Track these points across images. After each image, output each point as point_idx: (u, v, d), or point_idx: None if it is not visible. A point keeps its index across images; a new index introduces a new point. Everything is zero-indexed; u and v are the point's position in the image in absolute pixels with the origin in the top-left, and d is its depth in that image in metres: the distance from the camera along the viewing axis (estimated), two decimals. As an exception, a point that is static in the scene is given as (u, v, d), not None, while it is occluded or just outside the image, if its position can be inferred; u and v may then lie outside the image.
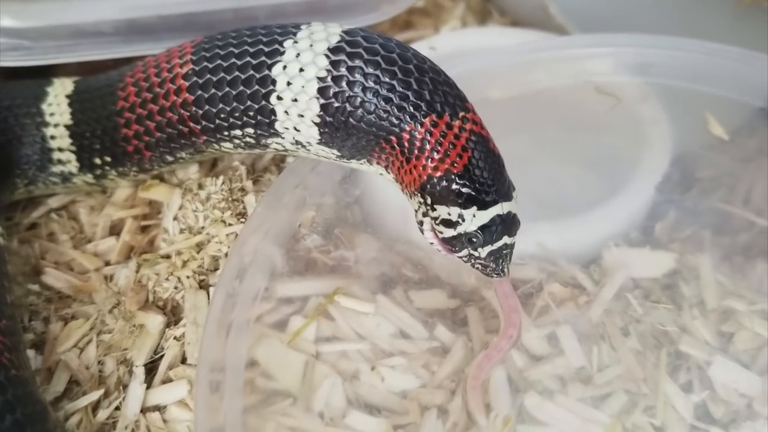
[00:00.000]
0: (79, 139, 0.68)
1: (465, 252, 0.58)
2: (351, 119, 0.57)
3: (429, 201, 0.57)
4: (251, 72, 0.59)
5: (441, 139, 0.56)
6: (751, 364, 0.66)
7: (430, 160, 0.56)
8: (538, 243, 0.70)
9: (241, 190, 0.72)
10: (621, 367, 0.65)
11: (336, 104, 0.57)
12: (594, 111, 0.79)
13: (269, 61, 0.58)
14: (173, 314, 0.68)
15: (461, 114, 0.57)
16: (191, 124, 0.62)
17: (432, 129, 0.56)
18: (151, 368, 0.65)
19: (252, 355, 0.62)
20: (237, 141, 0.63)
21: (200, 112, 0.61)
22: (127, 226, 0.73)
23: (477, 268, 0.59)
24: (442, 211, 0.57)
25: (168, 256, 0.70)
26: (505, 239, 0.57)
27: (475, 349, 0.66)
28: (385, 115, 0.57)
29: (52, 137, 0.68)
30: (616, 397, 0.64)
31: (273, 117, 0.59)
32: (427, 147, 0.56)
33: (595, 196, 0.74)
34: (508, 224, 0.57)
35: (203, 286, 0.69)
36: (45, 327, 0.67)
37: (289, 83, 0.58)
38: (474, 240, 0.57)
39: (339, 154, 0.60)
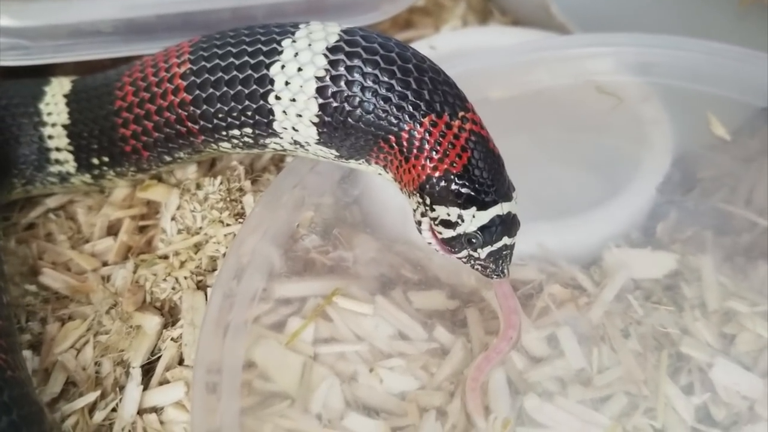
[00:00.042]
0: (77, 139, 0.67)
1: (464, 253, 0.58)
2: (349, 119, 0.57)
3: (428, 201, 0.56)
4: (249, 71, 0.58)
5: (440, 138, 0.55)
6: (752, 366, 0.66)
7: (429, 159, 0.56)
8: (538, 244, 0.70)
9: (240, 190, 0.72)
10: (621, 369, 0.65)
11: (334, 104, 0.57)
12: (595, 111, 0.78)
13: (267, 61, 0.58)
14: (170, 315, 0.68)
15: (461, 114, 0.56)
16: (189, 124, 0.62)
17: (431, 129, 0.56)
18: (148, 369, 0.65)
19: (249, 356, 0.62)
20: (235, 141, 0.62)
21: (198, 111, 0.61)
22: (125, 227, 0.72)
23: (477, 269, 0.59)
24: (441, 211, 0.56)
25: (166, 257, 0.70)
26: (505, 240, 0.57)
27: (474, 351, 0.65)
28: (383, 115, 0.56)
29: (50, 137, 0.68)
30: (616, 399, 0.64)
31: (271, 117, 0.59)
32: (426, 147, 0.56)
33: (595, 196, 0.73)
34: (507, 225, 0.57)
35: (201, 286, 0.68)
36: (42, 328, 0.67)
37: (287, 83, 0.57)
38: (473, 241, 0.56)
39: (338, 154, 0.60)
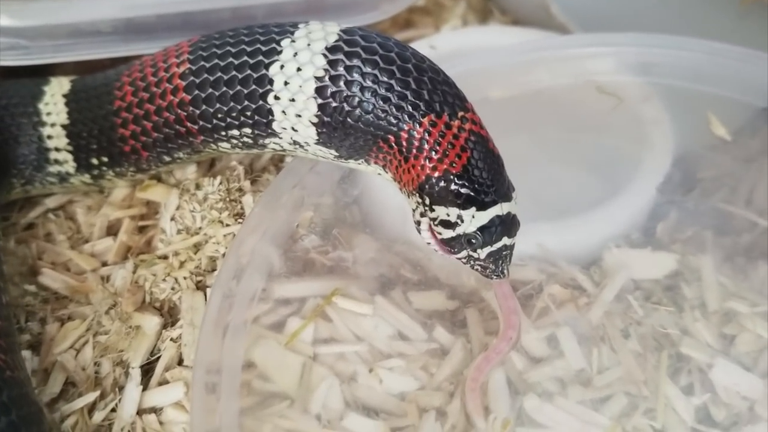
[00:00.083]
0: (76, 138, 0.67)
1: (464, 253, 0.58)
2: (349, 119, 0.57)
3: (427, 201, 0.56)
4: (248, 71, 0.58)
5: (440, 138, 0.55)
6: (753, 367, 0.66)
7: (428, 160, 0.55)
8: (538, 244, 0.70)
9: (239, 190, 0.72)
10: (621, 370, 0.65)
11: (334, 104, 0.57)
12: (595, 111, 0.78)
13: (266, 61, 0.58)
14: (170, 315, 0.68)
15: (460, 114, 0.56)
16: (188, 124, 0.62)
17: (430, 129, 0.56)
18: (147, 370, 0.65)
19: (249, 356, 0.62)
20: (234, 141, 0.62)
21: (197, 111, 0.61)
22: (125, 227, 0.72)
23: (476, 270, 0.59)
24: (441, 211, 0.56)
25: (165, 257, 0.70)
26: (505, 240, 0.57)
27: (474, 351, 0.65)
28: (383, 115, 0.56)
29: (49, 137, 0.68)
30: (616, 399, 0.64)
31: (270, 117, 0.59)
32: (426, 147, 0.55)
33: (595, 196, 0.73)
34: (507, 225, 0.57)
35: (200, 287, 0.68)
36: (41, 328, 0.67)
37: (286, 83, 0.57)
38: (473, 241, 0.56)
39: (337, 154, 0.60)
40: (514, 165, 0.59)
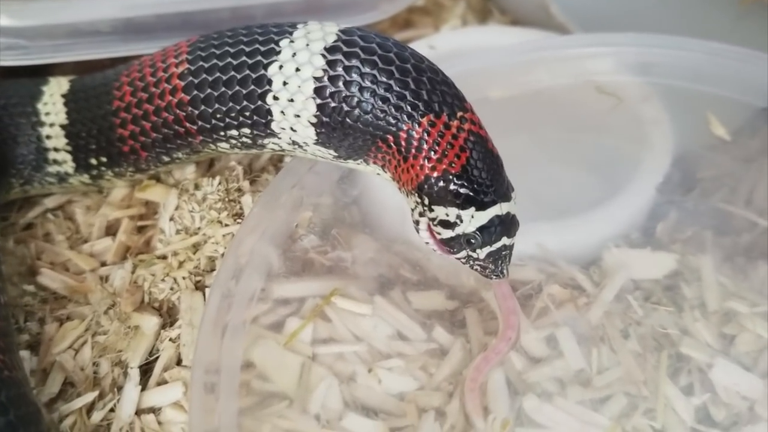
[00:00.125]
0: (75, 139, 0.67)
1: (463, 253, 0.58)
2: (348, 119, 0.57)
3: (426, 201, 0.56)
4: (247, 72, 0.58)
5: (439, 139, 0.55)
6: (752, 367, 0.66)
7: (427, 160, 0.55)
8: (537, 244, 0.70)
9: (238, 190, 0.72)
10: (621, 370, 0.65)
11: (333, 104, 0.57)
12: (595, 111, 0.78)
13: (265, 61, 0.58)
14: (169, 315, 0.67)
15: (459, 114, 0.56)
16: (187, 124, 0.62)
17: (429, 129, 0.55)
18: (146, 370, 0.65)
19: (248, 356, 0.62)
20: (233, 141, 0.62)
21: (196, 112, 0.61)
22: (123, 227, 0.72)
23: (476, 270, 0.59)
24: (440, 211, 0.56)
25: (164, 257, 0.70)
26: (504, 240, 0.57)
27: (473, 351, 0.65)
28: (382, 115, 0.56)
29: (48, 137, 0.68)
30: (615, 399, 0.64)
31: (269, 117, 0.59)
32: (425, 147, 0.55)
33: (595, 196, 0.73)
34: (506, 225, 0.57)
35: (199, 287, 0.68)
36: (40, 328, 0.67)
37: (285, 83, 0.57)
38: (472, 241, 0.56)
39: (336, 154, 0.60)
40: (514, 165, 0.58)
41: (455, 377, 0.64)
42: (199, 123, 0.61)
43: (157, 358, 0.65)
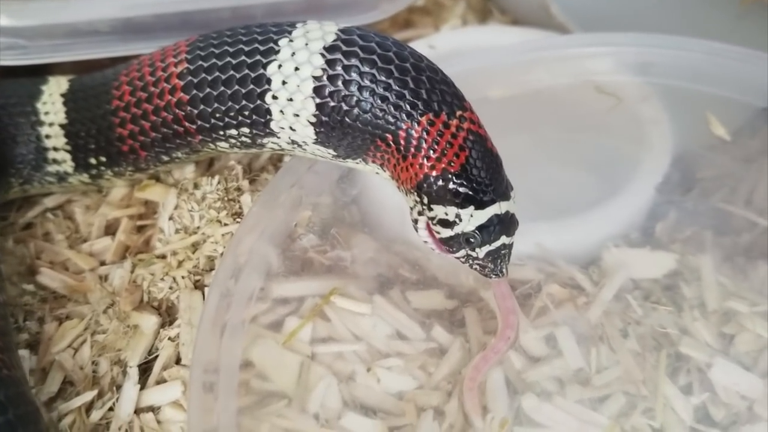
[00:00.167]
0: (74, 138, 0.67)
1: (463, 252, 0.58)
2: (347, 118, 0.57)
3: (425, 200, 0.56)
4: (246, 71, 0.58)
5: (438, 138, 0.55)
6: (752, 366, 0.66)
7: (426, 159, 0.55)
8: (536, 243, 0.70)
9: (237, 189, 0.72)
10: (620, 369, 0.65)
11: (332, 103, 0.57)
12: (594, 110, 0.78)
13: (264, 60, 0.58)
14: (168, 315, 0.68)
15: (458, 113, 0.56)
16: (186, 124, 0.62)
17: (429, 128, 0.55)
18: (145, 369, 0.65)
19: (247, 355, 0.62)
20: (233, 140, 0.62)
21: (195, 111, 0.61)
22: (123, 226, 0.72)
23: (475, 269, 0.59)
24: (439, 210, 0.56)
25: (163, 256, 0.70)
26: (503, 239, 0.57)
27: (472, 351, 0.65)
28: (381, 114, 0.56)
29: (47, 136, 0.68)
30: (614, 399, 0.64)
31: (268, 116, 0.59)
32: (424, 145, 0.55)
33: (594, 196, 0.73)
34: (506, 224, 0.57)
35: (198, 286, 0.68)
36: (39, 327, 0.67)
37: (284, 82, 0.57)
38: (472, 240, 0.56)
39: (335, 153, 0.60)
40: (513, 165, 0.58)
41: (454, 376, 0.64)
42: (198, 122, 0.61)
43: (156, 357, 0.65)
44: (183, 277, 0.68)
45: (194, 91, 0.60)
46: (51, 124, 0.68)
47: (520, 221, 0.58)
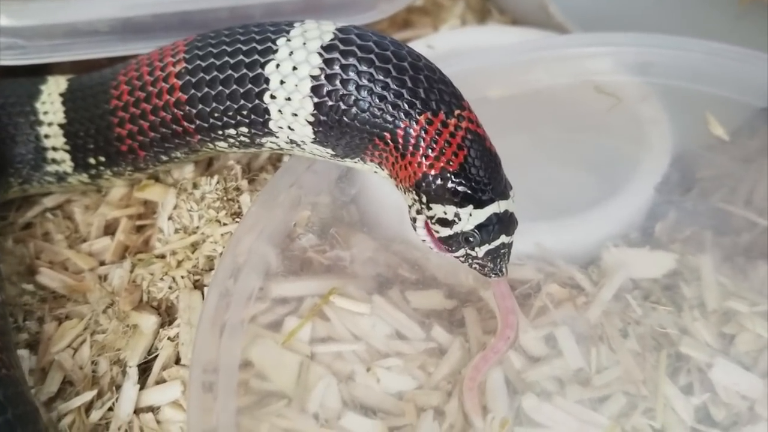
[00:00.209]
0: (73, 138, 0.67)
1: (462, 252, 0.58)
2: (345, 117, 0.57)
3: (424, 200, 0.56)
4: (244, 70, 0.58)
5: (436, 137, 0.55)
6: (752, 366, 0.65)
7: (425, 158, 0.55)
8: (536, 243, 0.70)
9: (237, 189, 0.72)
10: (620, 369, 0.65)
11: (330, 103, 0.57)
12: (594, 110, 0.78)
13: (262, 60, 0.58)
14: (167, 314, 0.67)
15: (457, 112, 0.56)
16: (185, 124, 0.62)
17: (427, 127, 0.55)
18: (144, 369, 0.65)
19: (246, 355, 0.62)
20: (231, 140, 0.62)
21: (194, 111, 0.61)
22: (122, 226, 0.72)
23: (475, 268, 0.59)
24: (438, 209, 0.56)
25: (163, 256, 0.70)
26: (503, 238, 0.57)
27: (472, 351, 0.65)
28: (379, 113, 0.56)
29: (46, 136, 0.68)
30: (615, 399, 0.64)
31: (267, 116, 0.59)
32: (422, 144, 0.55)
33: (594, 196, 0.73)
34: (505, 223, 0.56)
35: (198, 286, 0.68)
36: (39, 327, 0.67)
37: (282, 82, 0.57)
38: (471, 239, 0.56)
39: (333, 153, 0.60)
40: (513, 164, 0.58)
41: (454, 376, 0.64)
42: (197, 122, 0.61)
43: (156, 357, 0.65)
44: (182, 277, 0.68)
45: (192, 91, 0.60)
46: (50, 124, 0.68)
47: (519, 221, 0.58)
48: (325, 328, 0.65)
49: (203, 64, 0.59)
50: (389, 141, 0.56)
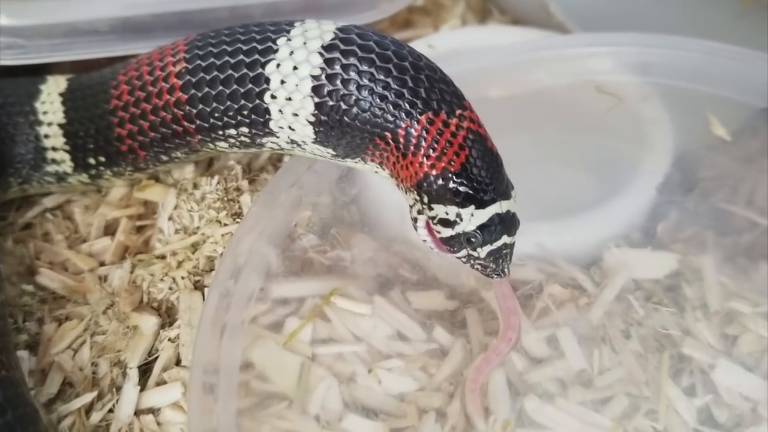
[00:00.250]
0: (73, 138, 0.67)
1: (464, 252, 0.57)
2: (346, 117, 0.57)
3: (426, 200, 0.56)
4: (244, 70, 0.58)
5: (437, 136, 0.55)
6: (755, 368, 0.65)
7: (426, 157, 0.55)
8: (537, 244, 0.69)
9: (237, 189, 0.72)
10: (622, 370, 0.65)
11: (330, 102, 0.57)
12: (594, 110, 0.78)
13: (262, 60, 0.58)
14: (168, 315, 0.67)
15: (458, 112, 0.56)
16: (185, 124, 0.62)
17: (428, 127, 0.55)
18: (145, 370, 0.64)
19: (247, 356, 0.61)
20: (232, 140, 0.62)
21: (194, 111, 0.60)
22: (122, 226, 0.72)
23: (476, 269, 0.58)
24: (440, 210, 0.56)
25: (163, 257, 0.70)
26: (505, 239, 0.56)
27: (473, 352, 0.65)
28: (380, 113, 0.56)
29: (46, 136, 0.68)
30: (617, 400, 0.63)
31: (267, 116, 0.59)
32: (423, 144, 0.55)
33: (595, 196, 0.73)
34: (507, 223, 0.56)
35: (198, 286, 0.68)
36: (39, 328, 0.67)
37: (282, 81, 0.57)
38: (473, 240, 0.56)
39: (334, 152, 0.60)
40: (514, 165, 0.58)
41: (456, 378, 0.63)
42: (197, 122, 0.61)
43: (156, 358, 0.64)
44: (183, 278, 0.68)
45: (192, 91, 0.60)
46: (50, 124, 0.67)
47: (520, 221, 0.58)
48: (326, 329, 0.65)
49: (203, 64, 0.59)
50: (390, 141, 0.56)
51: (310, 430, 0.61)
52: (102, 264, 0.71)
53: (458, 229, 0.56)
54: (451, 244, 0.57)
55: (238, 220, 0.70)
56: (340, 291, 0.66)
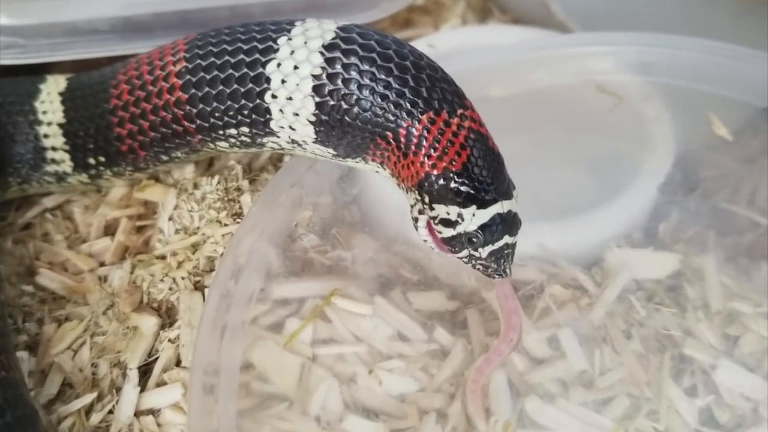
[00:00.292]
0: (73, 138, 0.67)
1: (465, 252, 0.57)
2: (347, 117, 0.56)
3: (427, 200, 0.56)
4: (245, 70, 0.58)
5: (439, 136, 0.55)
6: (756, 368, 0.65)
7: (427, 157, 0.55)
8: (538, 244, 0.69)
9: (237, 189, 0.72)
10: (623, 371, 0.64)
11: (331, 102, 0.56)
12: (595, 110, 0.78)
13: (263, 59, 0.57)
14: (168, 316, 0.67)
15: (459, 111, 0.56)
16: (185, 123, 0.61)
17: (429, 126, 0.55)
18: (145, 371, 0.64)
19: (247, 357, 0.61)
20: (232, 140, 0.62)
21: (194, 110, 0.60)
22: (122, 226, 0.72)
23: (478, 269, 0.58)
24: (441, 210, 0.56)
25: (163, 257, 0.69)
26: (506, 239, 0.56)
27: (474, 352, 0.65)
28: (381, 112, 0.56)
29: (46, 136, 0.67)
30: (618, 401, 0.63)
31: (268, 116, 0.58)
32: (425, 144, 0.55)
33: (596, 196, 0.73)
34: (508, 223, 0.56)
35: (198, 287, 0.68)
36: (39, 328, 0.67)
37: (283, 81, 0.57)
38: (474, 240, 0.56)
39: (335, 152, 0.59)
40: (514, 164, 0.58)
41: (456, 378, 0.63)
42: (198, 122, 0.61)
43: (156, 359, 0.64)
44: (183, 278, 0.68)
45: (193, 90, 0.60)
46: (49, 124, 0.67)
47: (521, 221, 0.57)
48: (326, 330, 0.65)
49: (204, 63, 0.59)
50: (391, 140, 0.56)
51: (311, 431, 0.61)
52: (102, 264, 0.71)
53: (459, 229, 0.56)
54: (452, 244, 0.57)
55: (238, 220, 0.70)
56: (340, 291, 0.66)
